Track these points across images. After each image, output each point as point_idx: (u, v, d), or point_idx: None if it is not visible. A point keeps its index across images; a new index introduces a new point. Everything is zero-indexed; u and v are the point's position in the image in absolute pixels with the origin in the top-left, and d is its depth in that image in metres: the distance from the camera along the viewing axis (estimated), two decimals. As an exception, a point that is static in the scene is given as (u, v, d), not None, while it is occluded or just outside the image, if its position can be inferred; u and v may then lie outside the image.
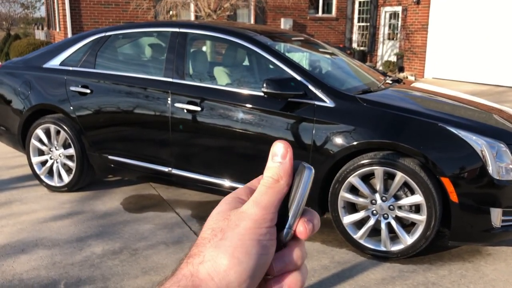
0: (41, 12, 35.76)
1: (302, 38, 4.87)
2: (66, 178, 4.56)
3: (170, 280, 0.45)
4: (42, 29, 22.03)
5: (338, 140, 3.38)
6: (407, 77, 13.34)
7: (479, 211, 3.15)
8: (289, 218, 0.48)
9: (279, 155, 0.48)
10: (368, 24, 16.86)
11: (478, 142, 3.14)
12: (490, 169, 3.10)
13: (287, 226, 0.48)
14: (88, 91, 4.30)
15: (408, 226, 3.41)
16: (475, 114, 3.70)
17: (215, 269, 0.44)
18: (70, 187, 4.57)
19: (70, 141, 4.44)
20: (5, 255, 3.38)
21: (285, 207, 0.48)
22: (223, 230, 0.46)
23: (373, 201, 3.37)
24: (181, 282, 0.44)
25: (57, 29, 16.14)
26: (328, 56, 4.81)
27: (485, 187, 3.14)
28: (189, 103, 3.87)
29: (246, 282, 0.44)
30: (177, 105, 3.90)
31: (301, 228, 0.48)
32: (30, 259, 3.33)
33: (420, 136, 3.23)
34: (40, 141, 4.62)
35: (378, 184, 3.32)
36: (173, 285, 0.44)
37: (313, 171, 0.49)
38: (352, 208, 3.53)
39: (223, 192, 3.90)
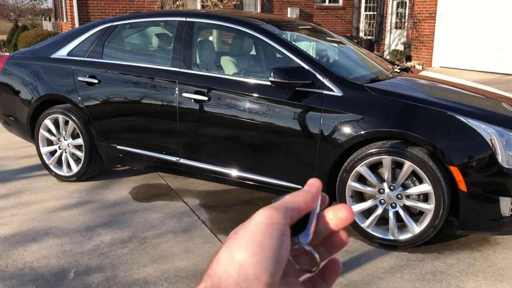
0: (48, 3, 35.80)
1: (309, 27, 4.84)
2: (75, 168, 4.59)
3: None
4: (50, 20, 22.05)
5: (346, 129, 3.37)
6: (414, 66, 13.23)
7: (488, 200, 3.13)
8: (310, 221, 0.50)
9: (308, 183, 0.52)
10: (375, 13, 16.72)
11: (487, 131, 3.12)
12: (500, 158, 3.08)
13: (309, 226, 0.50)
14: (96, 81, 4.31)
15: (416, 215, 3.41)
16: (484, 102, 3.68)
17: (231, 265, 0.44)
18: (78, 177, 4.61)
19: (78, 131, 4.46)
20: (16, 244, 3.42)
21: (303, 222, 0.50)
22: (236, 232, 0.47)
23: (381, 190, 3.37)
24: (200, 286, 0.44)
25: (64, 20, 16.15)
26: (335, 44, 4.78)
27: (494, 176, 3.12)
28: (196, 92, 3.87)
29: (264, 275, 0.43)
30: (185, 95, 3.90)
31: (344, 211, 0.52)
32: (41, 248, 3.36)
33: (428, 125, 3.22)
34: (49, 131, 4.65)
35: (386, 173, 3.32)
36: None
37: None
38: (360, 197, 3.53)
39: (231, 181, 3.91)
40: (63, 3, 15.92)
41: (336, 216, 0.51)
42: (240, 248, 0.44)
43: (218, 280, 0.43)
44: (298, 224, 0.49)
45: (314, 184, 0.52)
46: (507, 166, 3.09)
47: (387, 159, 3.27)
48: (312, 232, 0.50)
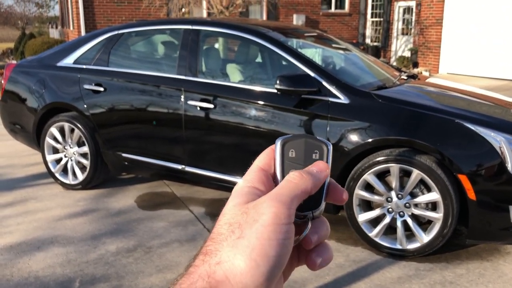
0: (55, 11, 36.08)
1: (315, 34, 4.83)
2: (81, 176, 4.58)
3: (185, 278, 0.43)
4: (56, 27, 22.22)
5: (353, 137, 3.33)
6: (421, 73, 13.18)
7: (497, 209, 3.09)
8: (323, 195, 0.49)
9: (317, 167, 0.49)
10: (382, 19, 16.71)
11: (496, 139, 3.07)
12: (509, 166, 3.04)
13: (322, 202, 0.49)
14: (102, 89, 4.31)
15: (425, 224, 3.36)
16: (492, 109, 3.64)
17: (232, 271, 0.42)
18: (84, 185, 4.60)
19: (84, 139, 4.46)
20: (21, 253, 3.41)
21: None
22: (241, 226, 0.44)
23: (389, 199, 3.33)
24: (197, 284, 0.42)
25: (71, 28, 16.26)
26: (341, 51, 4.76)
27: (503, 184, 3.07)
28: (202, 100, 3.85)
29: (263, 285, 0.43)
30: (190, 102, 3.89)
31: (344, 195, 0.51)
32: (46, 257, 3.35)
33: (436, 132, 3.18)
34: (55, 139, 4.65)
35: (393, 181, 3.28)
36: (190, 286, 0.42)
37: (331, 146, 0.51)
38: (367, 206, 3.49)
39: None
40: (70, 11, 16.04)
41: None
42: (244, 253, 0.43)
43: (216, 283, 0.42)
44: (308, 197, 0.48)
45: (323, 170, 0.49)
46: (517, 175, 3.04)
47: (394, 167, 3.23)
48: (323, 207, 0.50)
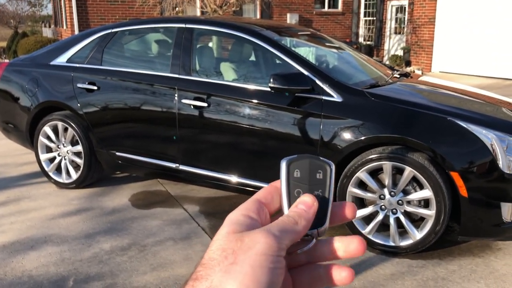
0: (48, 10, 35.88)
1: (309, 33, 4.84)
2: (74, 175, 4.57)
3: None
4: (49, 26, 22.11)
5: (346, 135, 3.35)
6: (414, 71, 13.24)
7: (489, 205, 3.12)
8: (327, 213, 0.52)
9: (305, 204, 0.50)
10: (375, 18, 16.76)
11: (488, 136, 3.10)
12: (500, 163, 3.07)
13: (327, 220, 0.51)
14: (95, 87, 4.31)
15: (417, 221, 3.39)
16: (484, 107, 3.67)
17: None
18: (78, 184, 4.59)
19: (77, 138, 4.45)
20: (14, 252, 3.40)
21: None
22: (235, 252, 0.44)
23: (382, 196, 3.35)
24: None
25: (64, 27, 16.19)
26: (335, 50, 4.78)
27: (495, 181, 3.10)
28: (196, 99, 3.86)
29: None
30: (184, 101, 3.89)
31: (351, 209, 0.53)
32: (39, 256, 3.34)
33: (429, 130, 3.20)
34: (48, 138, 4.64)
35: (386, 179, 3.30)
36: None
37: (334, 165, 0.53)
38: (360, 203, 3.51)
39: (230, 188, 3.90)
40: (63, 10, 15.96)
41: (347, 247, 0.51)
42: (236, 279, 0.42)
43: None
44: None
45: (311, 206, 0.50)
46: (508, 171, 3.07)
47: (387, 165, 3.26)
48: (328, 225, 0.52)
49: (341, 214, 0.53)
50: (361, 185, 3.41)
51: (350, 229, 3.47)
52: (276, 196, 0.52)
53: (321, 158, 0.53)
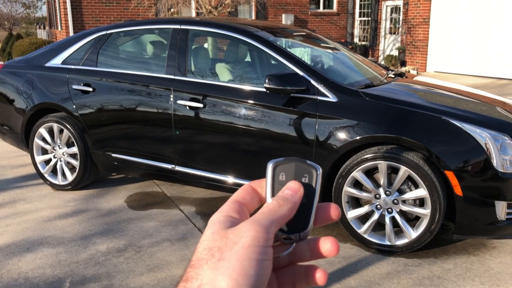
0: (43, 11, 35.80)
1: (304, 33, 4.86)
2: (70, 177, 4.57)
3: None
4: (44, 28, 22.04)
5: (341, 135, 3.37)
6: (409, 71, 13.28)
7: (483, 204, 3.14)
8: (310, 217, 0.51)
9: (291, 189, 0.51)
10: (370, 18, 16.81)
11: (482, 135, 3.12)
12: (495, 162, 3.09)
13: (310, 224, 0.51)
14: (91, 89, 4.30)
15: (413, 220, 3.41)
16: (478, 107, 3.69)
17: None
18: (74, 186, 4.58)
19: (73, 139, 4.44)
20: (10, 254, 3.40)
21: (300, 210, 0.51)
22: (221, 249, 0.45)
23: (377, 196, 3.37)
24: None
25: (59, 28, 16.15)
26: (330, 50, 4.79)
27: (489, 180, 3.12)
28: (191, 100, 3.87)
29: None
30: (180, 102, 3.90)
31: (335, 211, 0.53)
32: (36, 258, 3.34)
33: (423, 129, 3.22)
34: (44, 140, 4.63)
35: (381, 178, 3.32)
36: None
37: (321, 170, 0.52)
38: (356, 202, 3.52)
39: (226, 188, 3.90)
40: (58, 12, 15.92)
41: (322, 247, 0.52)
42: (224, 274, 0.43)
43: None
44: (295, 219, 0.50)
45: (297, 191, 0.50)
46: (502, 170, 3.09)
47: (382, 165, 3.27)
48: (310, 229, 0.51)
49: (325, 215, 0.53)
50: (357, 184, 3.42)
51: (346, 228, 3.48)
52: (254, 196, 0.52)
53: (308, 162, 0.52)
